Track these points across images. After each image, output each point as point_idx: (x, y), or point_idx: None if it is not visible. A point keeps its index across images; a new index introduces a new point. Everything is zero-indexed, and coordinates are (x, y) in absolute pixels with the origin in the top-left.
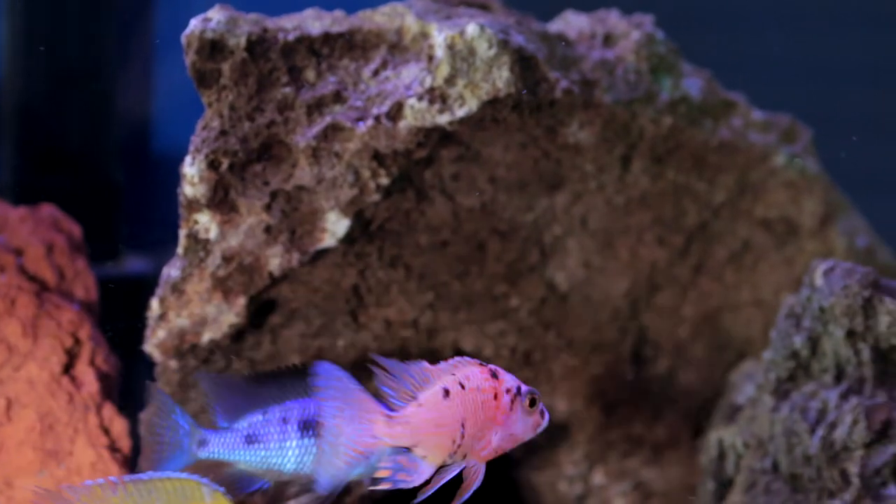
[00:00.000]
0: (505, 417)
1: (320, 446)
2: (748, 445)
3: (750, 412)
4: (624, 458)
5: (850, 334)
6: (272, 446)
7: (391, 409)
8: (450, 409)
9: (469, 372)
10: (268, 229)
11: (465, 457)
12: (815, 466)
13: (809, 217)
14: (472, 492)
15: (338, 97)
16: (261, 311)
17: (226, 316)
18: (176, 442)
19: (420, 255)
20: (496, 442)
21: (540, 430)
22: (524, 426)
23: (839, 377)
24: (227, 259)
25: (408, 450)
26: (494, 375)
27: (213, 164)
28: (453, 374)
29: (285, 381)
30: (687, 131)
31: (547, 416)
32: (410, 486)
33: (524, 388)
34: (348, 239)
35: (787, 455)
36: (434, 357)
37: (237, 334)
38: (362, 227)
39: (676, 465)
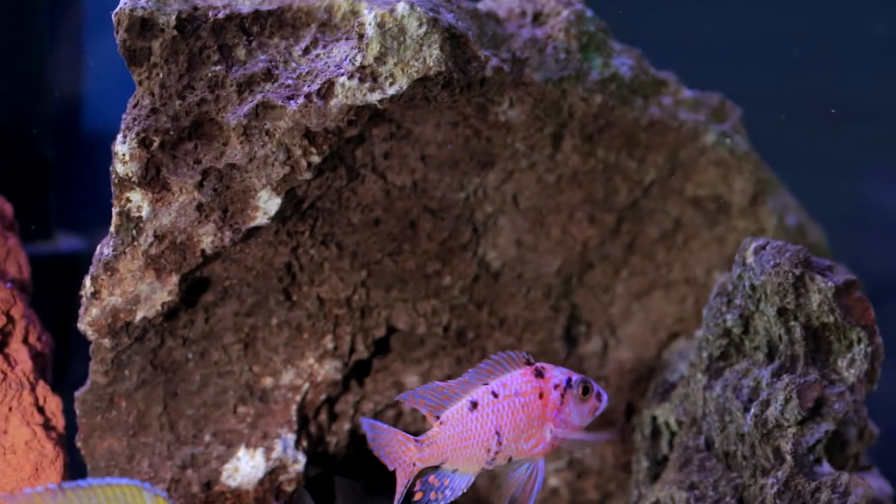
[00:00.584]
0: (556, 413)
1: None
2: (682, 423)
3: (683, 390)
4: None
5: (782, 312)
6: None
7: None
8: (478, 420)
9: (508, 377)
10: (200, 207)
11: (510, 460)
12: (749, 444)
13: (740, 195)
14: (537, 491)
15: (269, 75)
16: (194, 289)
17: (159, 294)
18: None
19: (352, 233)
20: (551, 436)
21: (599, 412)
22: (581, 414)
23: (771, 355)
24: (159, 237)
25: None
26: (539, 374)
27: (144, 143)
28: (486, 384)
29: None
30: (617, 110)
31: (605, 398)
32: (445, 502)
33: (574, 377)
34: (280, 217)
35: (721, 433)
36: (367, 334)
37: (170, 313)
38: (294, 206)
39: (610, 443)
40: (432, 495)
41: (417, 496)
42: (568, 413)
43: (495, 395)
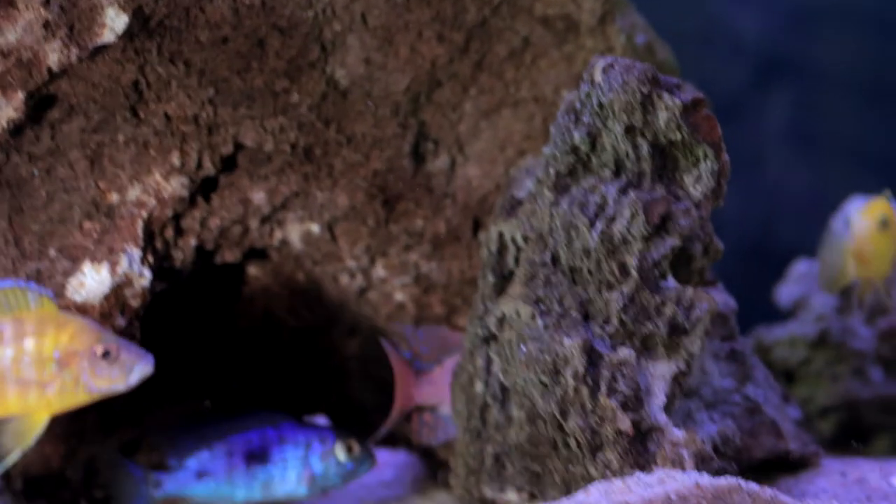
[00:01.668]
0: None
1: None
2: (528, 239)
3: (530, 206)
4: (405, 252)
5: (630, 130)
6: (221, 479)
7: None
8: None
9: None
10: (46, 25)
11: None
12: (595, 260)
13: (588, 14)
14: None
15: None
16: (40, 106)
17: (4, 111)
18: (134, 490)
19: (200, 51)
20: None
21: None
22: None
23: (618, 172)
24: (4, 54)
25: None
26: None
27: None
28: None
29: (227, 415)
30: None
31: None
32: (435, 443)
33: None
34: (128, 35)
35: (567, 248)
36: (214, 151)
37: (16, 129)
38: (142, 24)
39: (457, 258)
40: (425, 431)
41: (414, 427)
42: None
43: None
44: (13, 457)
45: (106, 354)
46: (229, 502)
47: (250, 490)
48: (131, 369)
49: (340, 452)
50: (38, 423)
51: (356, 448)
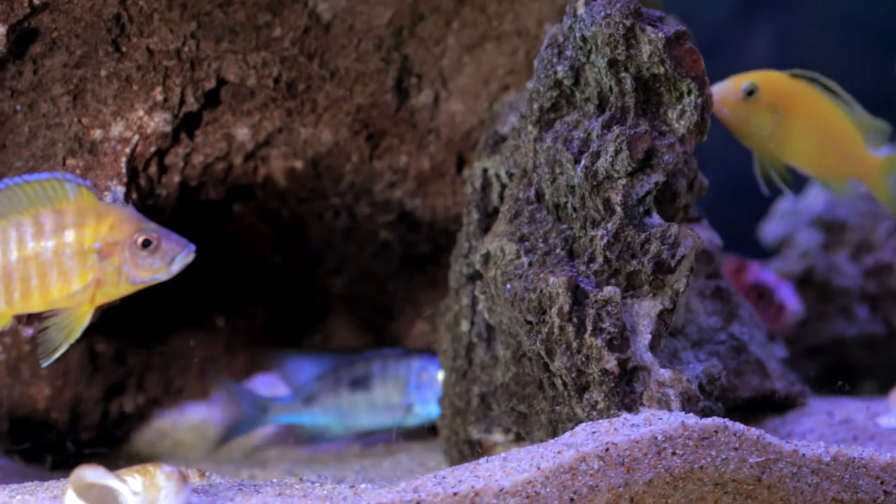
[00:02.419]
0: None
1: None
2: (512, 175)
3: (514, 142)
4: (389, 189)
5: (613, 63)
6: (328, 405)
7: None
8: None
9: None
10: None
11: None
12: (579, 196)
13: None
14: None
15: None
16: (22, 40)
17: None
18: (246, 414)
19: None
20: None
21: None
22: None
23: (602, 107)
24: None
25: None
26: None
27: None
28: None
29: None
30: None
31: None
32: None
33: None
34: None
35: (551, 185)
36: (197, 86)
37: None
38: None
39: (441, 195)
40: None
41: None
42: None
43: None
44: (61, 350)
45: (146, 244)
46: (335, 427)
47: (354, 416)
48: (173, 258)
49: (440, 380)
50: (83, 315)
51: None
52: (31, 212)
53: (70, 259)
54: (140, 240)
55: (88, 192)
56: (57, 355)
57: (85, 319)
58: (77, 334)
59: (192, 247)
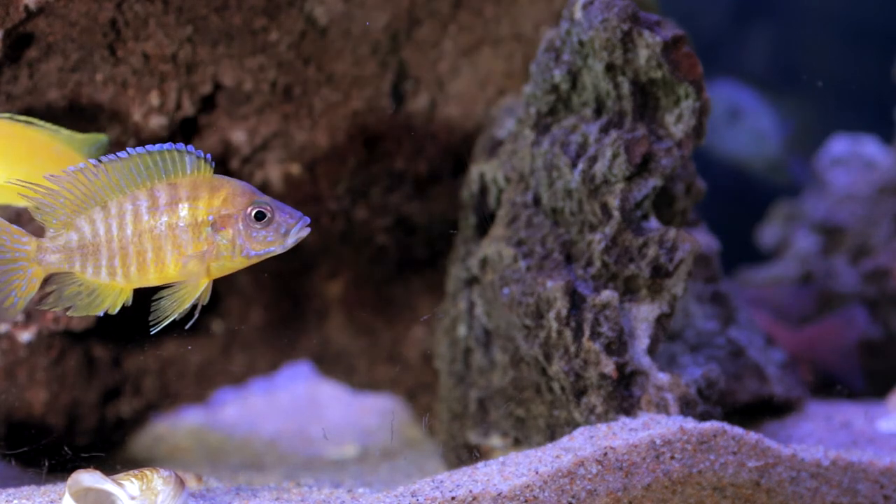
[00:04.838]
0: None
1: None
2: (509, 180)
3: (511, 146)
4: (386, 193)
5: (610, 68)
6: None
7: None
8: None
9: None
10: None
11: None
12: (577, 200)
13: None
14: None
15: None
16: (17, 45)
17: None
18: None
19: None
20: None
21: None
22: None
23: (599, 111)
24: None
25: None
26: None
27: None
28: None
29: None
30: None
31: None
32: None
33: None
34: None
35: (549, 189)
36: (193, 91)
37: None
38: None
39: (438, 199)
40: None
41: None
42: None
43: None
44: (171, 317)
45: (260, 216)
46: None
47: None
48: (287, 231)
49: None
50: (199, 287)
51: None
52: (146, 185)
53: (184, 233)
54: (253, 212)
55: (206, 165)
56: (166, 322)
57: (198, 291)
58: (188, 305)
59: (307, 219)
